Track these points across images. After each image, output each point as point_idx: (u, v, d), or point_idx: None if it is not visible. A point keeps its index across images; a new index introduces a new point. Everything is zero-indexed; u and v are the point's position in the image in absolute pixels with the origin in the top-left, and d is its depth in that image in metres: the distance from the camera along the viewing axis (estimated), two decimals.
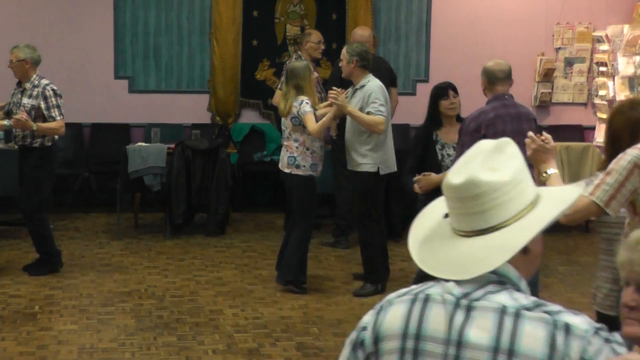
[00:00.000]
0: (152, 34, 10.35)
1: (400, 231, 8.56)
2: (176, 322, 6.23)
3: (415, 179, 5.89)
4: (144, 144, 8.96)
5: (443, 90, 6.14)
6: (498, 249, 2.04)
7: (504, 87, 5.72)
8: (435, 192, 5.54)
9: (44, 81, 7.28)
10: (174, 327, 6.12)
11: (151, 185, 8.69)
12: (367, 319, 2.19)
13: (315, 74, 8.90)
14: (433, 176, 5.82)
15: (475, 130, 5.48)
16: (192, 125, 10.26)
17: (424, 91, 10.09)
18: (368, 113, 6.82)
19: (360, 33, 8.77)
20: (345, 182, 8.50)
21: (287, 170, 7.09)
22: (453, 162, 5.70)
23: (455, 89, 6.17)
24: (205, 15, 10.44)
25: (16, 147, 8.10)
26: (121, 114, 10.19)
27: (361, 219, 7.11)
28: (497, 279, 2.06)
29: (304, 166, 7.01)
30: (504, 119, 5.59)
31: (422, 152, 6.10)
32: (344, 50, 7.16)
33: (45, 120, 7.22)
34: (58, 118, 7.24)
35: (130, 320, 6.25)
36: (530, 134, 3.82)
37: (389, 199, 8.19)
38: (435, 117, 6.14)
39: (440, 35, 10.81)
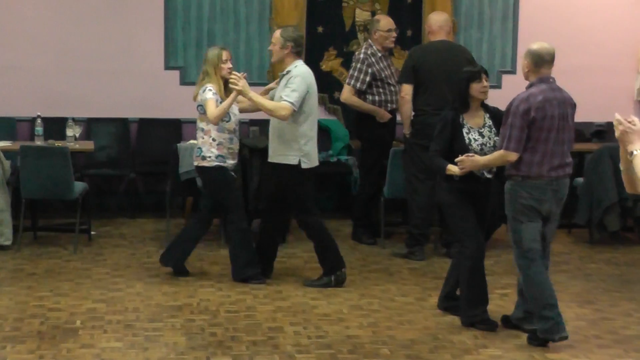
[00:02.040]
0: (205, 19, 10.47)
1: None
2: (231, 341, 6.24)
3: (458, 159, 6.40)
4: (196, 141, 9.00)
5: (477, 74, 6.62)
6: None
7: (549, 71, 6.27)
8: (469, 176, 6.45)
9: None
10: (228, 346, 6.13)
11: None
12: None
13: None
14: (478, 158, 6.39)
15: (526, 113, 6.09)
16: (249, 122, 10.31)
17: (511, 84, 10.12)
18: (280, 98, 7.33)
19: (435, 18, 8.82)
20: (420, 186, 8.53)
21: (195, 163, 7.71)
22: (481, 146, 6.53)
23: (487, 74, 6.71)
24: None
25: (57, 144, 8.29)
26: (172, 108, 10.31)
27: (298, 215, 7.66)
28: None
29: (209, 157, 7.57)
30: (552, 103, 6.17)
31: (450, 135, 6.58)
32: (277, 34, 7.57)
33: None
34: None
35: (181, 338, 6.28)
36: (618, 115, 4.28)
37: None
38: (464, 100, 6.62)
39: (529, 22, 10.78)
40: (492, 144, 6.58)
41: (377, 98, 9.05)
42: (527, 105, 6.10)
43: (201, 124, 7.61)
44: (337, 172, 10.40)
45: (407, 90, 8.57)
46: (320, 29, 10.62)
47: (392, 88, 9.08)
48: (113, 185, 10.45)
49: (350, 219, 9.53)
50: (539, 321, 6.24)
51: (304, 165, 7.44)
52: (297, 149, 7.42)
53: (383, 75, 9.02)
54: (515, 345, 6.27)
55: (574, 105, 6.33)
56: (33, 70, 10.21)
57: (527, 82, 6.30)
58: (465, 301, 6.67)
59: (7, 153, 8.76)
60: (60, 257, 8.46)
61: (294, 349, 6.12)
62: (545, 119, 6.12)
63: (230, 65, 7.64)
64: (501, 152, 6.21)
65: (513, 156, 6.16)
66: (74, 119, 9.38)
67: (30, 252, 8.60)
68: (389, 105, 9.07)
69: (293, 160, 7.42)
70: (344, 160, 10.32)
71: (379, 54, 9.05)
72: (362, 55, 9.04)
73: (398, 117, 9.02)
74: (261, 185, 8.88)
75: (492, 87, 10.08)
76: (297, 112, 7.35)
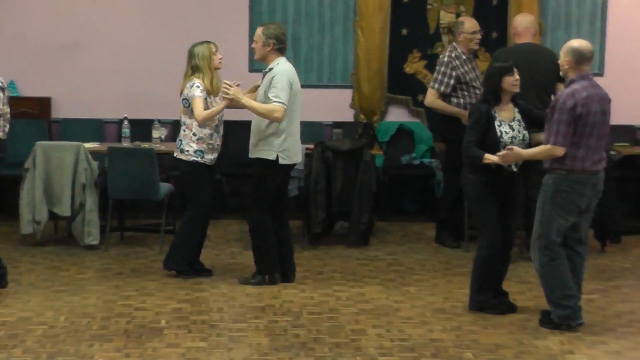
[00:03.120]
0: (290, 22, 10.53)
1: None
2: (314, 342, 6.27)
3: (501, 153, 6.63)
4: None
5: (509, 68, 6.86)
6: None
7: (588, 67, 6.48)
8: (494, 169, 6.74)
9: None
10: (311, 348, 6.15)
11: (288, 189, 8.79)
12: None
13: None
14: (520, 150, 6.62)
15: (572, 109, 6.31)
16: (333, 124, 10.40)
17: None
18: (268, 99, 7.34)
19: (521, 20, 8.78)
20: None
21: (174, 154, 7.78)
22: (511, 139, 6.77)
23: (518, 68, 6.94)
24: (349, 2, 10.59)
25: (143, 145, 8.40)
26: None
27: (249, 206, 7.63)
28: None
29: (187, 151, 7.67)
30: (594, 99, 6.39)
31: (484, 127, 6.82)
32: (259, 31, 7.53)
33: None
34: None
35: (264, 339, 6.33)
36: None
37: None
38: (497, 94, 6.85)
39: (619, 23, 10.64)
40: (521, 137, 6.84)
41: (461, 101, 9.00)
42: (573, 101, 6.31)
43: (184, 117, 7.70)
44: (421, 175, 10.40)
45: None
46: (404, 31, 10.61)
47: (477, 91, 8.99)
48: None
49: (434, 222, 9.51)
50: (556, 308, 6.53)
51: (281, 161, 7.45)
52: (276, 144, 7.43)
53: (467, 78, 8.97)
54: (603, 351, 6.19)
55: (609, 101, 6.54)
56: (121, 73, 10.39)
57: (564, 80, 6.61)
58: (475, 287, 7.00)
59: (95, 154, 8.91)
60: (147, 257, 8.59)
61: (377, 351, 6.12)
62: (589, 115, 6.34)
63: (221, 56, 7.74)
64: (548, 146, 6.42)
65: (560, 151, 6.38)
66: (160, 121, 9.53)
67: (117, 252, 8.75)
68: None
69: (271, 156, 7.44)
70: (427, 163, 10.31)
71: (464, 57, 9.01)
72: (446, 59, 9.01)
73: None
74: (344, 187, 8.93)
75: None
76: None
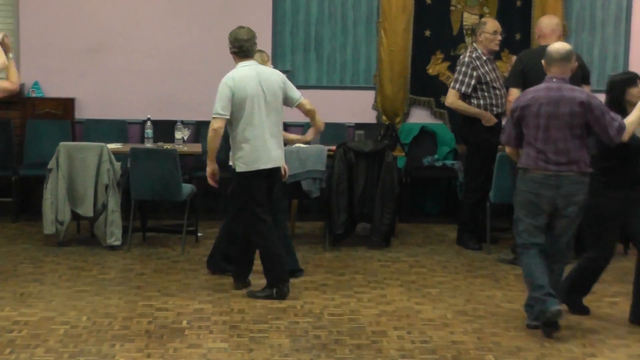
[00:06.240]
0: (313, 23, 10.55)
1: None
2: (335, 344, 6.27)
3: None
4: (302, 145, 8.91)
5: (632, 79, 6.67)
6: None
7: (559, 70, 6.41)
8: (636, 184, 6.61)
9: None
10: (332, 349, 6.15)
11: (309, 191, 8.81)
12: None
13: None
14: None
15: (513, 110, 6.43)
16: (355, 125, 10.40)
17: None
18: None
19: (547, 22, 8.74)
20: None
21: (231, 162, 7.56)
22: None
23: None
24: (372, 3, 10.60)
25: (166, 146, 8.42)
26: None
27: (244, 222, 7.36)
28: None
29: None
30: (540, 101, 6.32)
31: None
32: None
33: None
34: None
35: (285, 340, 6.33)
36: None
37: None
38: (620, 106, 6.59)
39: None
40: None
41: (482, 102, 8.99)
42: (517, 103, 6.48)
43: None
44: (443, 177, 10.39)
45: (514, 94, 8.44)
46: (427, 33, 10.61)
47: (497, 91, 9.00)
48: (220, 187, 10.54)
49: (456, 224, 9.49)
50: (534, 302, 6.41)
51: (237, 169, 7.27)
52: (235, 151, 7.28)
53: (488, 79, 8.95)
54: (625, 354, 6.17)
55: (576, 104, 6.28)
56: (144, 74, 10.43)
57: None
58: (567, 287, 6.79)
59: (118, 155, 8.95)
60: (168, 257, 8.61)
61: (398, 353, 6.12)
62: (527, 117, 6.36)
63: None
64: None
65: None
66: (182, 122, 9.56)
67: (139, 253, 8.77)
68: (494, 109, 9.01)
69: (231, 163, 7.38)
70: (449, 165, 10.29)
71: (484, 58, 9.00)
72: (466, 59, 9.00)
73: (504, 121, 8.94)
74: (366, 189, 8.92)
75: (602, 91, 10.02)
76: (230, 117, 7.18)
